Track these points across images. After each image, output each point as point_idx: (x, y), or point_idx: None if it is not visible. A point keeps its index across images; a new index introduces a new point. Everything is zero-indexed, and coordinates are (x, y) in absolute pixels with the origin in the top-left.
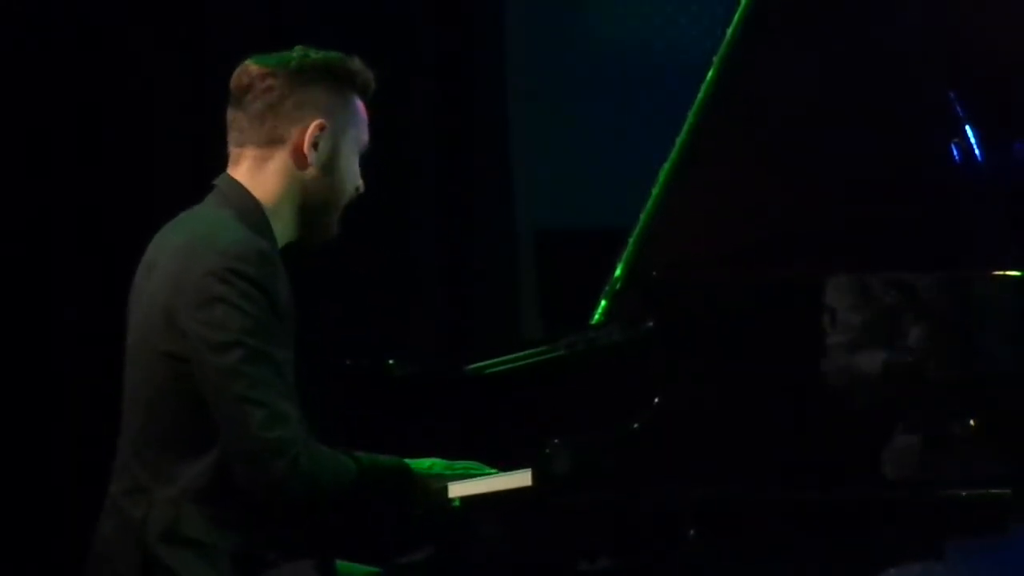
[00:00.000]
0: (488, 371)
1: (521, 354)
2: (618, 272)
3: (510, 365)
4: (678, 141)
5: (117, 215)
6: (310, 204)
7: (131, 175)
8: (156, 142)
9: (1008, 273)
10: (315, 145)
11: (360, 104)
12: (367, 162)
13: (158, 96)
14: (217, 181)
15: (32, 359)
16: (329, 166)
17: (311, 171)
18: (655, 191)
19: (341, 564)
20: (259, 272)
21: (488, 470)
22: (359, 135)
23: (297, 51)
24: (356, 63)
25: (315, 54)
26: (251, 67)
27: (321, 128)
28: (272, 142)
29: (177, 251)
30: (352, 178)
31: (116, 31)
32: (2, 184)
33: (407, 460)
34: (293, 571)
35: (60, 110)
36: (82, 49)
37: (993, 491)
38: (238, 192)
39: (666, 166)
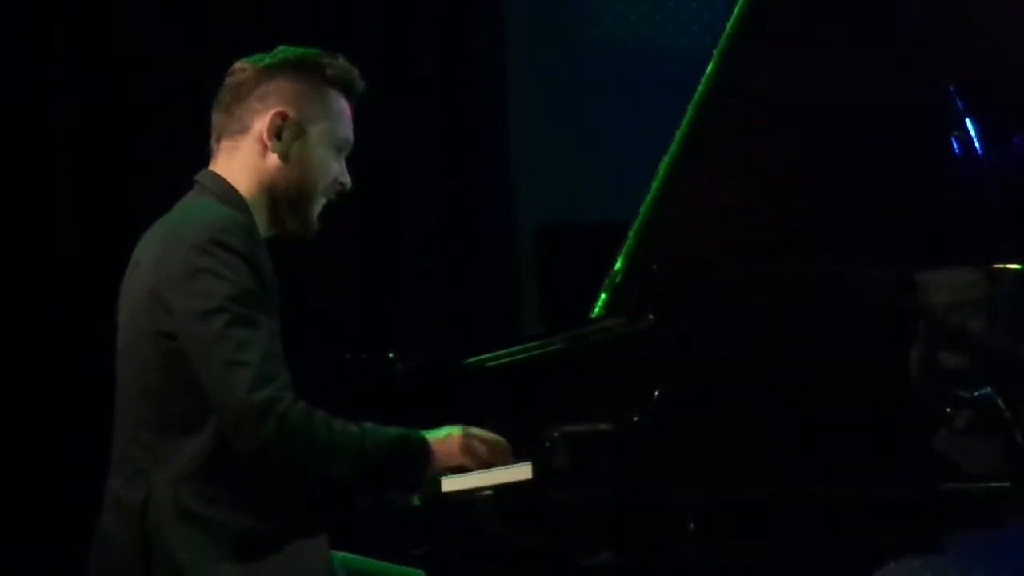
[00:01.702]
0: (488, 365)
1: (521, 347)
2: (618, 265)
3: (510, 359)
4: (678, 134)
5: (117, 215)
6: (279, 195)
7: (132, 175)
8: (157, 142)
9: (1008, 267)
10: (277, 135)
11: (339, 100)
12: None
13: (158, 97)
14: (198, 176)
15: (31, 358)
16: (295, 156)
17: (274, 160)
18: (655, 184)
19: (343, 556)
20: (241, 242)
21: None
22: (333, 129)
23: (278, 49)
24: (332, 59)
25: (292, 49)
26: (233, 65)
27: (283, 117)
28: (239, 132)
29: (159, 240)
30: (324, 171)
31: (116, 34)
32: (2, 185)
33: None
34: (294, 550)
35: (60, 110)
36: (81, 51)
37: (992, 485)
38: (219, 182)
39: (666, 159)
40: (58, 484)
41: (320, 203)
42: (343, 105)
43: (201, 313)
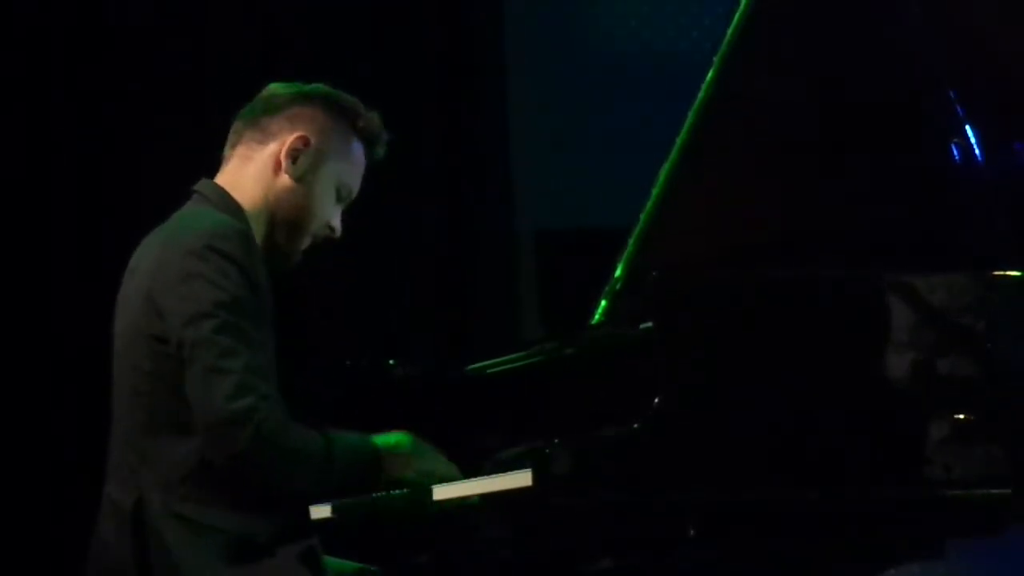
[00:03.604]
0: (489, 371)
1: (521, 354)
2: (618, 272)
3: (510, 365)
4: (678, 141)
5: (117, 218)
6: (280, 217)
7: (134, 177)
8: (156, 148)
9: (1008, 273)
10: (294, 158)
11: (360, 150)
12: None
13: (159, 103)
14: (197, 187)
15: (31, 359)
16: (304, 184)
17: (284, 181)
18: (655, 191)
19: (339, 562)
20: (237, 250)
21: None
22: (346, 173)
23: (317, 84)
24: (367, 112)
25: (331, 89)
26: (269, 85)
27: (304, 142)
28: (258, 143)
29: (157, 246)
30: (325, 209)
31: (119, 37)
32: (3, 186)
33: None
34: (286, 554)
35: (61, 114)
36: (83, 54)
37: (993, 491)
38: (218, 192)
39: (666, 166)
40: (56, 489)
41: (308, 239)
42: (361, 157)
43: (189, 317)
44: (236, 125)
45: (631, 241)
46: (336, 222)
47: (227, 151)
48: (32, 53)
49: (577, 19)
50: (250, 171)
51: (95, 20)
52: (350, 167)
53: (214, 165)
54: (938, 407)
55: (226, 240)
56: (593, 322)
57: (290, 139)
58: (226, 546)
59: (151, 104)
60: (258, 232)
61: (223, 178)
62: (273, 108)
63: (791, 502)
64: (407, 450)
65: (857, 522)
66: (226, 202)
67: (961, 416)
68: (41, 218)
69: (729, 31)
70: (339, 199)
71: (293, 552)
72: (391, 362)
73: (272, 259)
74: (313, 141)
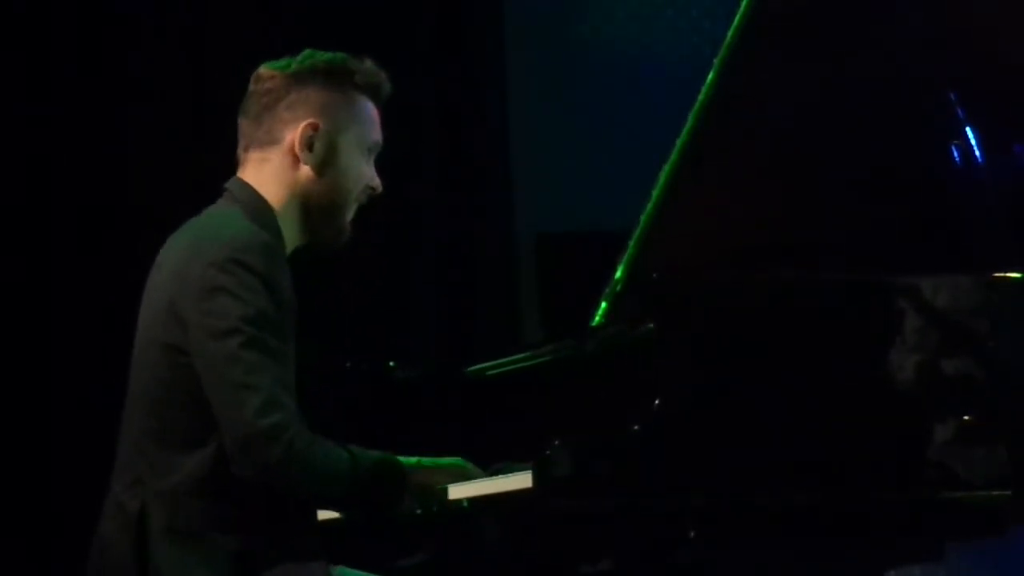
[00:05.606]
0: (489, 373)
1: (522, 356)
2: (619, 274)
3: (511, 367)
4: (678, 143)
5: (121, 218)
6: (313, 205)
7: (138, 178)
8: (169, 146)
9: (1008, 276)
10: (309, 146)
11: (367, 104)
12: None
13: (167, 103)
14: (228, 184)
15: (31, 360)
16: (328, 166)
17: (306, 171)
18: (655, 193)
19: (341, 570)
20: (261, 263)
21: (473, 468)
22: (364, 134)
23: (304, 54)
24: (361, 63)
25: (320, 56)
26: (259, 71)
27: (314, 128)
28: (268, 143)
29: (183, 249)
30: (357, 178)
31: (122, 35)
32: (3, 186)
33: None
34: (291, 571)
35: (63, 114)
36: (86, 53)
37: (993, 493)
38: (247, 192)
39: (666, 168)
40: (58, 489)
41: (353, 209)
42: (371, 109)
43: (214, 332)
44: (241, 125)
45: (631, 243)
46: (375, 180)
47: (240, 153)
48: (32, 52)
49: (577, 21)
50: (268, 172)
51: (95, 18)
52: (366, 126)
53: (214, 164)
54: (939, 408)
55: (249, 253)
56: (594, 324)
57: (299, 130)
58: (228, 564)
59: (151, 104)
60: (294, 228)
61: (247, 179)
62: (269, 103)
63: (792, 504)
64: (429, 465)
65: (858, 524)
66: (255, 204)
67: (962, 417)
68: (41, 217)
69: (729, 33)
70: (370, 155)
71: (297, 571)
72: (391, 364)
73: (321, 244)
74: (322, 123)
